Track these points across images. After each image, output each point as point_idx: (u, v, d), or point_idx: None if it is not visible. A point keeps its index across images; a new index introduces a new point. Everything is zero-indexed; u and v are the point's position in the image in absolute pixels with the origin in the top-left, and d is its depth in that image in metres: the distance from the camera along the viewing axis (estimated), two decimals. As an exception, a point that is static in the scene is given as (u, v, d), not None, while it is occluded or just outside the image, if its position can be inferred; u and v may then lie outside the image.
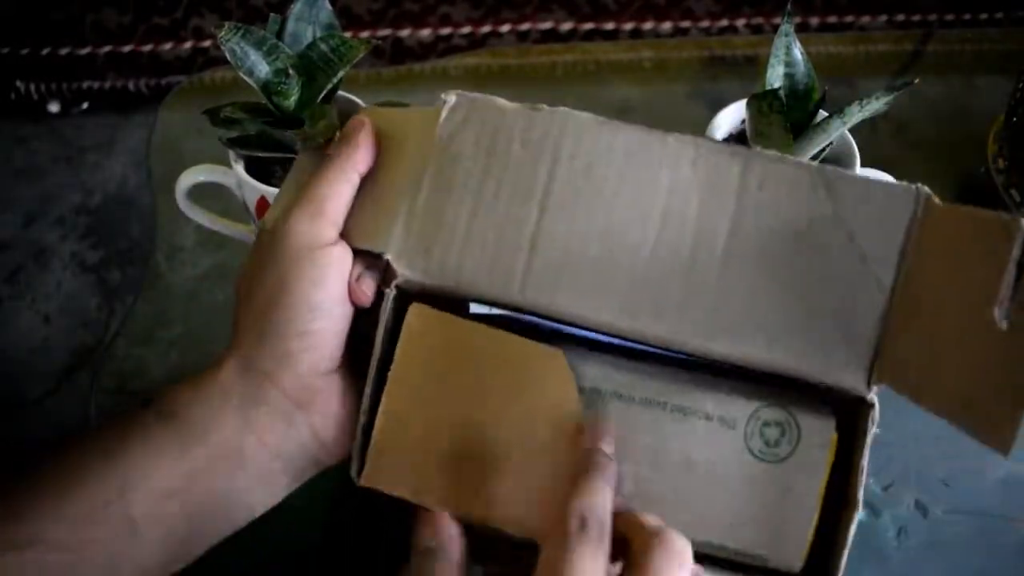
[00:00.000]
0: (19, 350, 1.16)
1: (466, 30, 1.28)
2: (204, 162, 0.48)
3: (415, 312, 0.34)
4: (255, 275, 0.34)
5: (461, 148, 0.34)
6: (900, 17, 1.25)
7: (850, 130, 0.44)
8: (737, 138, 0.48)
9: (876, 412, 0.31)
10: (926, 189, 0.31)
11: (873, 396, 0.31)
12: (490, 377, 0.33)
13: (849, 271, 0.31)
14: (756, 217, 0.32)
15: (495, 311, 0.34)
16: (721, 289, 0.32)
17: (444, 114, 0.34)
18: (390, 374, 0.34)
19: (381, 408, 0.33)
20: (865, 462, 0.31)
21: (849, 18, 1.26)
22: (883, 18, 1.25)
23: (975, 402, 0.27)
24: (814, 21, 1.25)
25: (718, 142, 0.33)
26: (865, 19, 1.26)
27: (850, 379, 0.31)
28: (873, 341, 0.31)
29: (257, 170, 0.45)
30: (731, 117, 0.48)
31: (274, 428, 0.33)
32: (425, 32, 1.28)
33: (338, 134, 0.37)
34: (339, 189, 0.34)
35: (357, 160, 0.35)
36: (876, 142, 0.63)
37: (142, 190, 1.34)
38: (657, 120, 0.69)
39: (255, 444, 0.32)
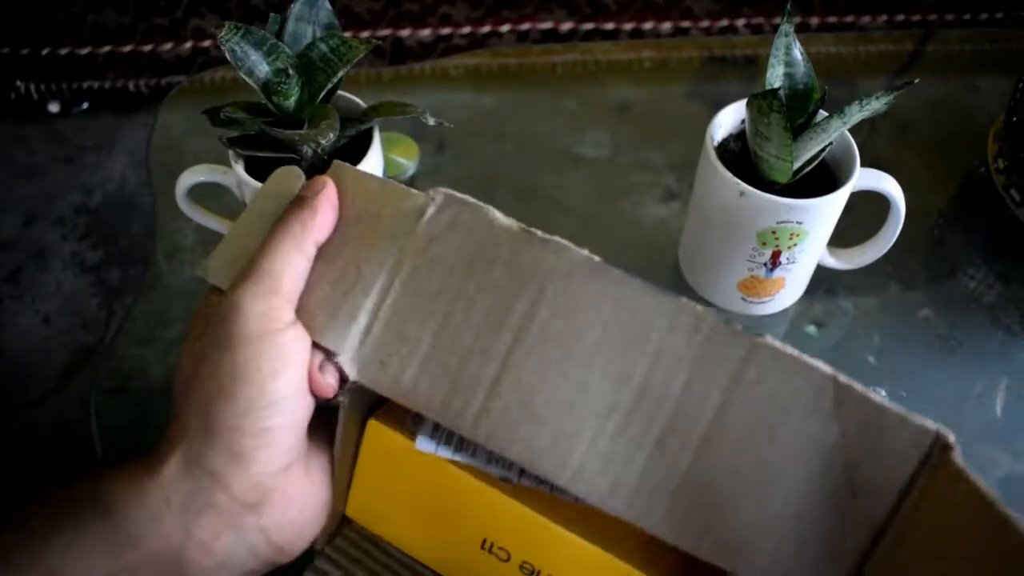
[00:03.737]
0: (19, 350, 1.16)
1: (466, 30, 1.28)
2: (204, 162, 0.48)
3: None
4: (203, 356, 0.30)
5: (441, 255, 0.31)
6: (900, 17, 1.25)
7: (850, 130, 0.44)
8: (737, 138, 0.48)
9: None
10: (946, 435, 0.27)
11: None
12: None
13: (835, 499, 0.28)
14: (744, 412, 0.28)
15: (441, 454, 0.32)
16: (684, 484, 0.29)
17: (430, 212, 0.31)
18: (353, 481, 0.34)
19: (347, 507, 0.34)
20: None
21: (849, 18, 1.26)
22: (883, 18, 1.26)
23: None
24: (814, 21, 1.25)
25: (726, 323, 0.29)
26: (865, 19, 1.26)
27: None
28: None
29: (257, 170, 0.45)
30: (731, 117, 0.48)
31: (220, 535, 0.29)
32: (425, 32, 1.28)
33: (300, 185, 0.33)
34: (294, 263, 0.31)
35: (315, 229, 0.32)
36: (876, 142, 0.63)
37: (142, 190, 1.34)
38: (657, 120, 0.70)
39: (198, 552, 0.29)
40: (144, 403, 0.49)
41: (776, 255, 0.46)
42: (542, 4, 1.26)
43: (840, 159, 0.46)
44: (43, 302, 1.21)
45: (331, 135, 0.42)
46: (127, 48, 1.29)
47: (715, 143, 0.46)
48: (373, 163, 0.45)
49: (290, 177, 0.35)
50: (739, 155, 0.47)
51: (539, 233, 0.31)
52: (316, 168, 0.44)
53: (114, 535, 0.28)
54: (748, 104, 0.42)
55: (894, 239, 0.48)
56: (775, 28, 0.43)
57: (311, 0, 0.44)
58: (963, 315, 0.53)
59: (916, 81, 0.40)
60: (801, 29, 1.24)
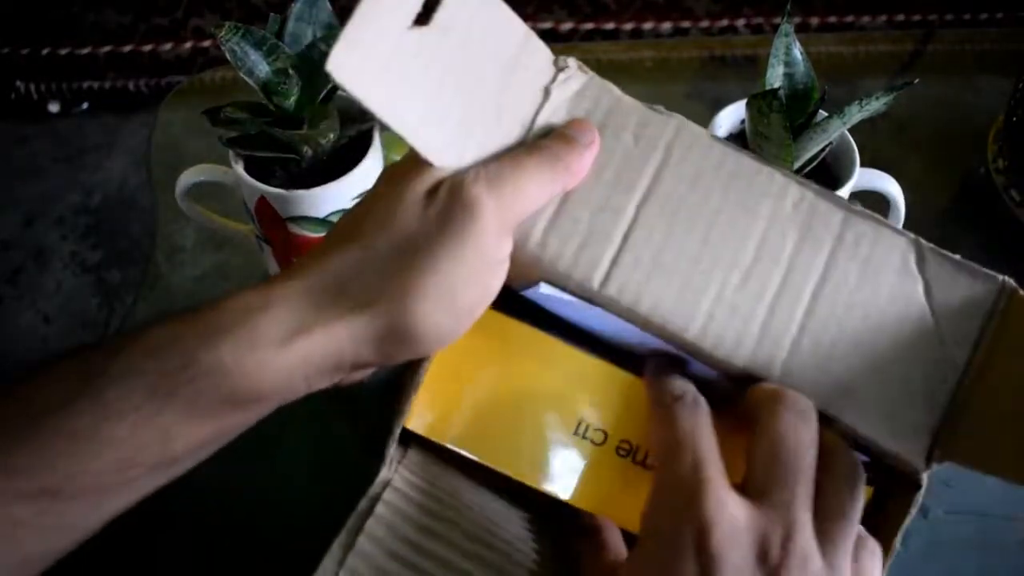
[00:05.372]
0: (19, 350, 1.16)
1: (466, 30, 1.27)
2: (204, 162, 0.48)
3: None
4: (421, 241, 0.28)
5: (572, 117, 0.32)
6: (900, 17, 1.25)
7: (850, 130, 0.44)
8: (737, 138, 0.48)
9: (920, 495, 0.30)
10: (1011, 283, 0.31)
11: (925, 477, 0.30)
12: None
13: (926, 346, 0.31)
14: (847, 270, 0.31)
15: (562, 299, 0.31)
16: (801, 333, 0.31)
17: (560, 77, 0.32)
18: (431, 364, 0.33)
19: (424, 382, 0.32)
20: (898, 541, 0.31)
21: (849, 18, 1.26)
22: (883, 18, 1.25)
23: None
24: (814, 21, 1.25)
25: (825, 189, 0.32)
26: (865, 19, 1.26)
27: (910, 448, 0.30)
28: (939, 415, 0.30)
29: (257, 170, 0.45)
30: (731, 117, 0.48)
31: (332, 379, 0.29)
32: (425, 32, 1.28)
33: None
34: (542, 194, 0.30)
35: (574, 176, 0.30)
36: (876, 142, 0.63)
37: (142, 190, 1.34)
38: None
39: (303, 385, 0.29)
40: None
41: (776, 255, 0.46)
42: (542, 4, 1.26)
43: (840, 159, 0.46)
44: (43, 302, 1.21)
45: (331, 135, 0.42)
46: (127, 48, 1.29)
47: (715, 143, 0.46)
48: (372, 164, 0.45)
49: None
50: (739, 155, 0.47)
51: (662, 108, 0.32)
52: (317, 169, 0.44)
53: (234, 403, 0.27)
54: (748, 104, 0.42)
55: (894, 239, 0.48)
56: (775, 28, 0.43)
57: (311, 0, 0.44)
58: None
59: (916, 81, 0.40)
60: (801, 29, 1.24)
